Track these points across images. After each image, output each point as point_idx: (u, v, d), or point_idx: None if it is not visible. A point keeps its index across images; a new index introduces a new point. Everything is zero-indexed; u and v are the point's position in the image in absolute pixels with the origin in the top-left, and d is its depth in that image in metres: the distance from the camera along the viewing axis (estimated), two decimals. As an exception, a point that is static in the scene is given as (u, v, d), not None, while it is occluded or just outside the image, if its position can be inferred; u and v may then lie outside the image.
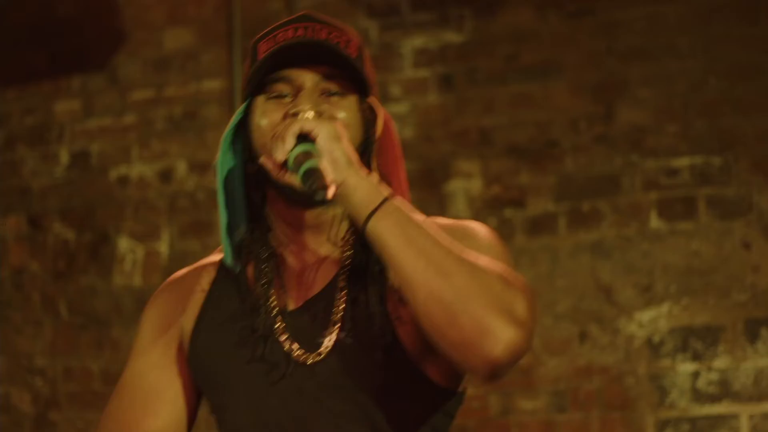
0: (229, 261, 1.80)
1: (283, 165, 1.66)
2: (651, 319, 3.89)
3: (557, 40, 4.09)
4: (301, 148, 1.64)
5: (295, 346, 1.72)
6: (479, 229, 1.76)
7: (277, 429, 1.70)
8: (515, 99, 4.12)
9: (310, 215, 1.74)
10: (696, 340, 3.85)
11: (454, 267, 1.59)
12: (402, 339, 1.69)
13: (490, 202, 4.10)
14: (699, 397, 3.82)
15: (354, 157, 1.65)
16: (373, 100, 1.78)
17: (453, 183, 4.14)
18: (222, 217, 1.78)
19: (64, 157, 4.68)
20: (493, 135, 4.12)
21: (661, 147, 3.94)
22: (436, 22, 4.23)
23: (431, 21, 4.24)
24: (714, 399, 3.81)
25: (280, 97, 1.73)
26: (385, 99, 4.24)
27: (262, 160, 1.70)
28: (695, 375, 3.83)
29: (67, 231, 4.64)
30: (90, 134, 4.66)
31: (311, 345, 1.71)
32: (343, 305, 1.72)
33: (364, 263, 1.73)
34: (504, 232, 4.04)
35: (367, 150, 1.76)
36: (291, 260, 1.78)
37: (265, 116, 1.73)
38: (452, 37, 4.22)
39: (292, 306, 1.75)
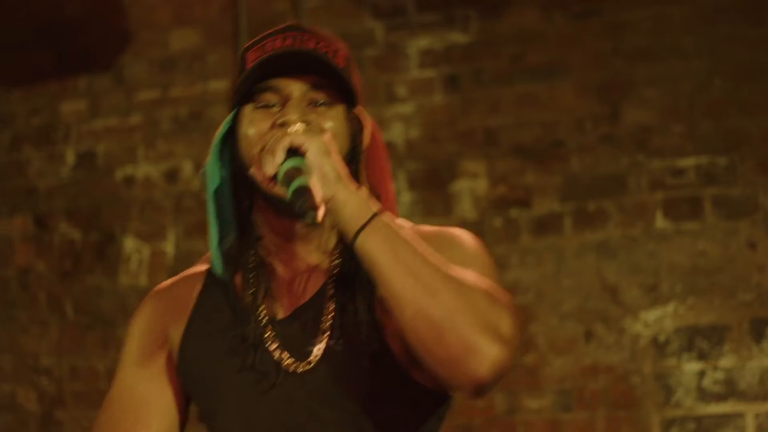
0: (218, 270, 1.80)
1: (273, 178, 1.66)
2: (657, 319, 3.90)
3: (563, 41, 4.10)
4: (291, 162, 1.63)
5: (285, 354, 1.72)
6: (464, 237, 1.76)
7: (269, 438, 1.71)
8: (521, 99, 4.12)
9: (299, 225, 1.75)
10: (702, 340, 3.85)
11: (441, 285, 1.59)
12: (391, 346, 1.69)
13: (495, 202, 4.10)
14: (705, 396, 3.83)
15: (344, 171, 1.65)
16: (360, 110, 1.79)
17: (459, 183, 4.14)
18: (212, 226, 1.78)
19: (70, 157, 4.68)
20: (499, 135, 4.13)
21: (666, 147, 3.94)
22: (442, 22, 4.24)
23: (437, 21, 4.24)
24: (720, 398, 3.81)
25: (268, 106, 1.73)
26: (391, 99, 4.25)
27: (252, 171, 1.71)
28: (701, 374, 3.84)
29: (73, 231, 4.65)
30: (96, 134, 4.66)
31: (301, 354, 1.72)
32: (332, 314, 1.72)
33: (352, 272, 1.74)
34: (510, 231, 4.04)
35: (354, 159, 1.76)
36: (280, 269, 1.78)
37: (253, 125, 1.73)
38: (458, 37, 4.22)
39: (281, 315, 1.76)
